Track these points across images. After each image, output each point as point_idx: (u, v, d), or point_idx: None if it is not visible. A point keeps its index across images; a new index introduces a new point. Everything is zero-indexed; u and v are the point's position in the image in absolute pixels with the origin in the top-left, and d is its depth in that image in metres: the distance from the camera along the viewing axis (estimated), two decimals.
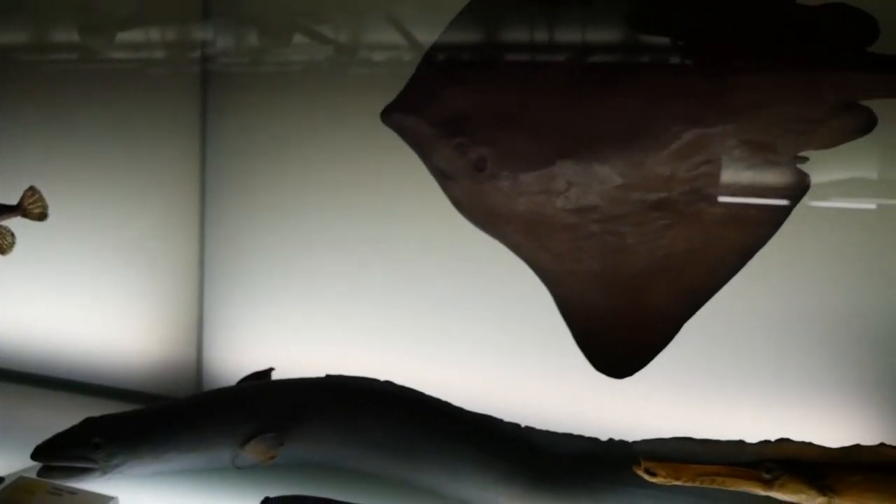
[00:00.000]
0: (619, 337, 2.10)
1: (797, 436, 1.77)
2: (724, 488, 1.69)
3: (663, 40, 1.99)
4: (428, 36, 2.14)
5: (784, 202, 1.98)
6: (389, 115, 2.10)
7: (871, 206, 2.08)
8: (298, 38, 2.49)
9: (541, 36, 2.07)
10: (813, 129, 1.92)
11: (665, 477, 1.68)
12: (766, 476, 1.66)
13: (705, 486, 1.68)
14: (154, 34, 2.63)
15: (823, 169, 1.98)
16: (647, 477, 1.68)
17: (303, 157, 2.51)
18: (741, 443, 1.84)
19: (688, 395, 2.17)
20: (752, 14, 1.97)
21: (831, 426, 2.05)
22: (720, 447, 1.86)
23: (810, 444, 1.79)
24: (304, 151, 2.50)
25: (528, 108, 2.03)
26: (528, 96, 2.04)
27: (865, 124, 1.92)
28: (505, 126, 2.04)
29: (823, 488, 1.65)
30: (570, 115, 2.01)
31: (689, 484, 1.68)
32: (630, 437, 1.94)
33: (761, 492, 1.66)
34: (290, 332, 2.51)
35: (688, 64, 1.98)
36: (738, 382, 2.15)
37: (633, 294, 2.07)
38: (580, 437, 1.98)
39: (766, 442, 1.81)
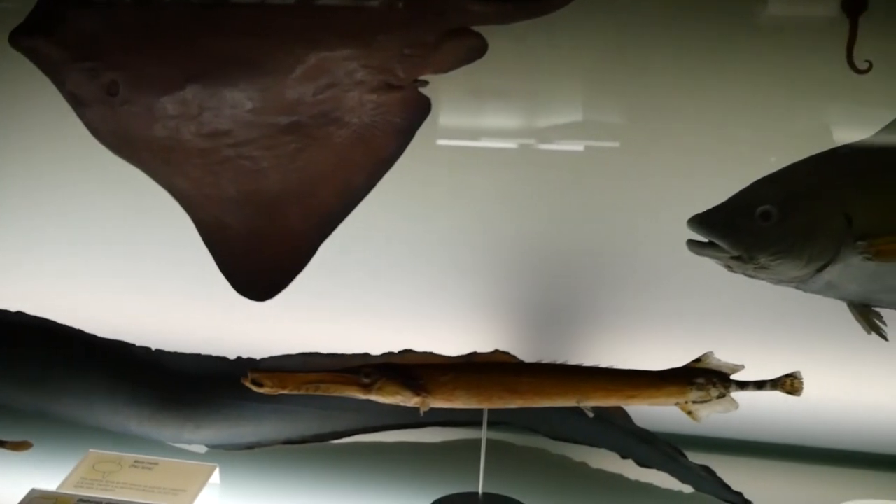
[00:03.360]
0: (259, 260, 2.13)
1: (429, 347, 1.86)
2: (329, 394, 1.74)
3: None
4: None
5: (407, 125, 2.05)
6: (18, 39, 2.02)
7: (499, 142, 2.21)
8: None
9: None
10: (427, 53, 1.99)
11: (271, 387, 1.72)
12: (365, 380, 1.73)
13: (310, 392, 1.73)
14: None
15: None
16: (254, 388, 1.71)
17: None
18: (366, 355, 1.92)
19: (326, 313, 2.24)
20: None
21: (460, 337, 2.16)
22: (346, 360, 1.93)
23: (431, 354, 1.87)
24: None
25: (156, 31, 2.00)
26: (156, 19, 2.01)
27: (477, 49, 2.00)
28: (135, 50, 2.00)
29: (418, 389, 1.74)
30: (198, 38, 1.99)
31: (295, 392, 1.73)
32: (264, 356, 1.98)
33: (361, 395, 1.73)
34: None
35: None
36: (375, 300, 2.24)
37: (270, 217, 2.11)
38: (209, 357, 2.01)
39: (391, 353, 1.88)
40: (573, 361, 1.79)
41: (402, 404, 1.75)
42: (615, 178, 2.15)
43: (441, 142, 2.22)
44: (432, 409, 1.74)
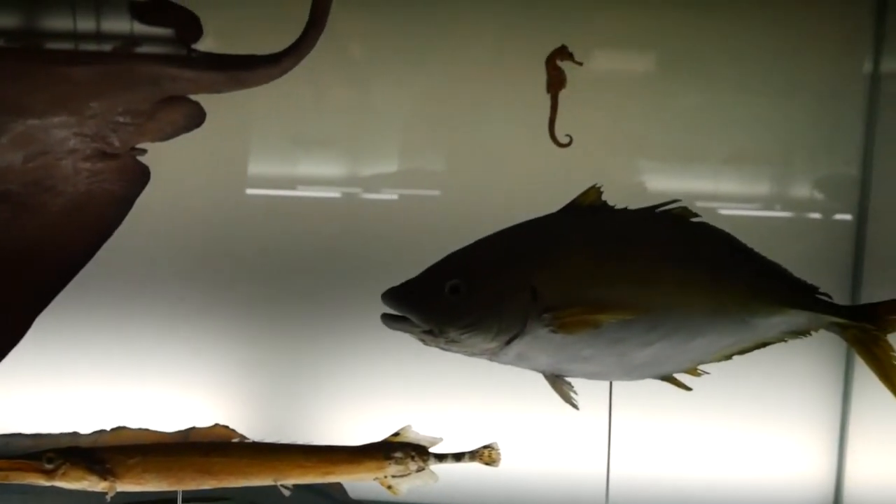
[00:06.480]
0: None
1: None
2: (10, 482, 1.66)
3: None
4: None
5: (125, 193, 2.00)
6: None
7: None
8: None
9: None
10: (143, 122, 1.96)
11: None
12: (48, 466, 1.67)
13: None
14: None
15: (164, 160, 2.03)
16: None
17: None
18: (75, 434, 1.84)
19: (34, 389, 2.15)
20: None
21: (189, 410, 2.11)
22: (52, 440, 1.85)
23: (147, 431, 1.81)
24: None
25: None
26: None
27: (194, 118, 1.98)
28: None
29: (105, 473, 1.68)
30: None
31: None
32: None
33: (45, 482, 1.66)
34: None
35: (14, 51, 1.96)
36: (92, 372, 2.16)
37: None
38: None
39: (102, 431, 1.81)
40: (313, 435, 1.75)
41: (90, 489, 1.68)
42: (432, 228, 2.13)
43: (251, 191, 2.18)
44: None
